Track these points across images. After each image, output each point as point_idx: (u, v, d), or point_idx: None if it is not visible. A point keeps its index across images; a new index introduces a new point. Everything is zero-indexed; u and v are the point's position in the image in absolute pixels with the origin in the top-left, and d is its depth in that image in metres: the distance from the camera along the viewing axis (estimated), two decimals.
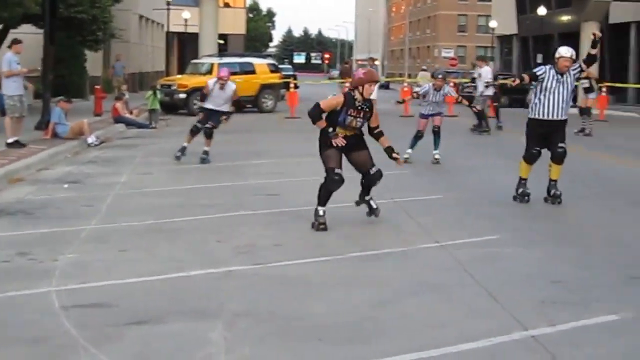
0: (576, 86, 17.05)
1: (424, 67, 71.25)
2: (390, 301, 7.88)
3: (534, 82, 13.46)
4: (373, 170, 11.87)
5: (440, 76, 19.79)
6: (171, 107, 34.69)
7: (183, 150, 18.97)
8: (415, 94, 20.41)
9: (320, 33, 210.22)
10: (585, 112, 27.58)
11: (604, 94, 38.55)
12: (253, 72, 37.72)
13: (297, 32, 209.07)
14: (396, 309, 7.63)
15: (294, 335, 6.86)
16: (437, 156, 19.49)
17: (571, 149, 22.70)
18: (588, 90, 27.45)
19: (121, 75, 41.65)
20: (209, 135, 19.01)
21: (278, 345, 6.63)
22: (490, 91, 28.12)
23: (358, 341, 6.74)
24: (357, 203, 12.10)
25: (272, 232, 11.05)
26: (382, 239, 10.75)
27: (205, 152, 18.84)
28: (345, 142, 11.47)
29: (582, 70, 13.76)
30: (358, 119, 11.58)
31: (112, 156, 20.02)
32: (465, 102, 21.22)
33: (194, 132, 19.17)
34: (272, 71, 38.89)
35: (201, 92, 19.81)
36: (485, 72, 28.33)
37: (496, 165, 18.95)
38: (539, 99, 13.41)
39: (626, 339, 6.94)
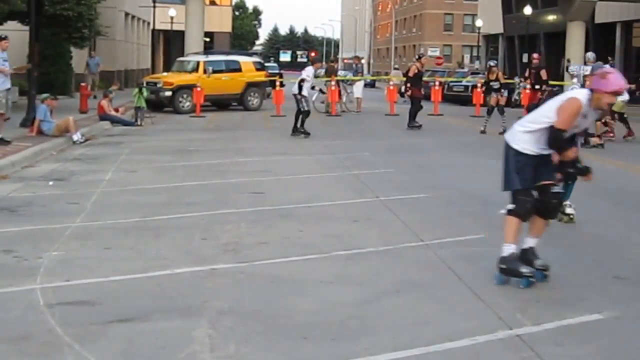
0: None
1: (396, 66, 71.47)
2: (375, 299, 7.89)
3: None
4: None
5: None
6: (157, 105, 34.59)
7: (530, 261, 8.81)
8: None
9: (306, 31, 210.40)
10: (494, 110, 27.70)
11: None
12: (239, 70, 37.68)
13: (283, 31, 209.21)
14: (381, 308, 7.64)
15: (279, 334, 6.86)
16: (569, 210, 12.16)
17: None
18: (497, 90, 27.57)
19: (96, 72, 40.88)
20: (557, 209, 9.16)
21: (263, 344, 6.63)
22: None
23: (343, 339, 6.75)
24: None
25: (258, 230, 11.05)
26: (367, 237, 10.76)
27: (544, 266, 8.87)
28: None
29: None
30: None
31: (98, 154, 19.97)
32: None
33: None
34: (258, 69, 38.84)
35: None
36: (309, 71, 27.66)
37: (481, 164, 18.97)
38: None
39: (610, 338, 6.96)
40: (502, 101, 27.00)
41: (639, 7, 52.71)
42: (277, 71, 55.11)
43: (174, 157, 19.23)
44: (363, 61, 47.18)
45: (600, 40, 57.27)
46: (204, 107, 34.74)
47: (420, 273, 8.97)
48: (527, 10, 59.32)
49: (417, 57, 32.52)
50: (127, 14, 56.96)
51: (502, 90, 27.44)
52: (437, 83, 38.87)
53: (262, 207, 12.81)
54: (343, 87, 38.73)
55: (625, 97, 25.73)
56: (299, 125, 25.10)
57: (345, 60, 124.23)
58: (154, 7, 57.47)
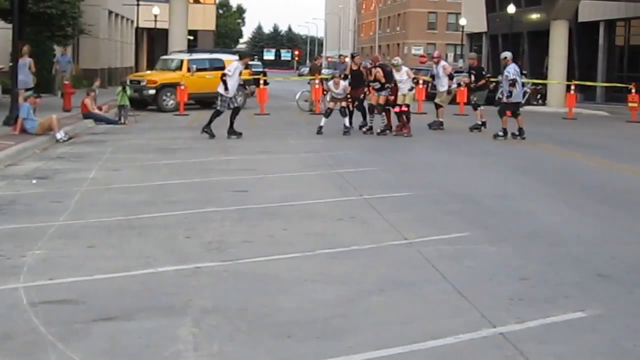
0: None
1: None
2: (358, 298, 7.90)
3: None
4: None
5: None
6: (140, 103, 34.53)
7: None
8: None
9: (290, 30, 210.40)
10: (374, 109, 27.25)
11: (572, 92, 38.76)
12: (223, 68, 37.37)
13: (267, 29, 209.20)
14: (365, 306, 7.65)
15: (263, 332, 6.86)
16: None
17: (542, 147, 22.91)
18: (379, 89, 26.99)
19: (68, 70, 39.72)
20: None
21: (247, 342, 6.63)
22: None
23: (327, 337, 6.75)
24: None
25: (241, 229, 11.04)
26: (351, 236, 10.76)
27: None
28: None
29: None
30: None
31: (81, 152, 19.93)
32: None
33: None
34: None
35: None
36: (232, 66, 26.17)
37: (465, 163, 19.03)
38: None
39: (593, 336, 6.99)
40: (382, 100, 25.81)
41: (622, 6, 52.87)
42: (261, 69, 55.07)
43: (157, 156, 19.20)
44: (347, 60, 47.12)
45: (584, 39, 57.43)
46: (187, 106, 34.69)
47: (404, 271, 8.98)
48: (511, 9, 59.37)
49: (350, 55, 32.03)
50: (110, 12, 56.81)
51: (387, 90, 25.82)
52: (420, 81, 38.83)
53: (246, 206, 12.80)
54: (327, 85, 38.64)
55: (407, 90, 25.55)
56: (225, 125, 23.44)
57: (329, 59, 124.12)
58: (138, 5, 57.32)
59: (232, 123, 23.55)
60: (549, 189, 15.29)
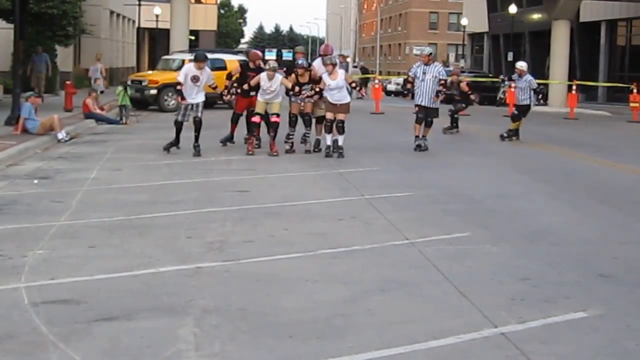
0: None
1: (355, 65, 72.31)
2: (360, 298, 7.90)
3: None
4: None
5: None
6: (142, 103, 34.49)
7: None
8: None
9: (291, 29, 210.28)
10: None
11: (573, 92, 38.73)
12: (224, 68, 37.52)
13: (269, 29, 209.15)
14: (366, 306, 7.65)
15: (265, 332, 6.86)
16: None
17: (542, 147, 22.90)
18: (311, 96, 24.36)
19: (43, 71, 36.87)
20: None
21: (248, 342, 6.63)
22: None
23: (328, 337, 6.75)
24: None
25: (243, 229, 11.04)
26: (352, 235, 10.75)
27: None
28: None
29: None
30: None
31: (83, 152, 19.91)
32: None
33: None
34: None
35: None
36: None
37: (466, 163, 19.00)
38: None
39: (595, 336, 6.98)
40: (308, 109, 20.80)
41: (624, 6, 52.90)
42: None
43: (158, 156, 19.17)
44: (348, 59, 47.23)
45: (585, 39, 57.48)
46: None
47: (406, 271, 8.98)
48: (512, 9, 59.43)
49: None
50: (112, 12, 56.82)
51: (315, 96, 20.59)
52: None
53: (247, 206, 12.80)
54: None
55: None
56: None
57: None
58: (139, 5, 57.39)
59: (195, 137, 19.77)
60: (549, 188, 15.29)
